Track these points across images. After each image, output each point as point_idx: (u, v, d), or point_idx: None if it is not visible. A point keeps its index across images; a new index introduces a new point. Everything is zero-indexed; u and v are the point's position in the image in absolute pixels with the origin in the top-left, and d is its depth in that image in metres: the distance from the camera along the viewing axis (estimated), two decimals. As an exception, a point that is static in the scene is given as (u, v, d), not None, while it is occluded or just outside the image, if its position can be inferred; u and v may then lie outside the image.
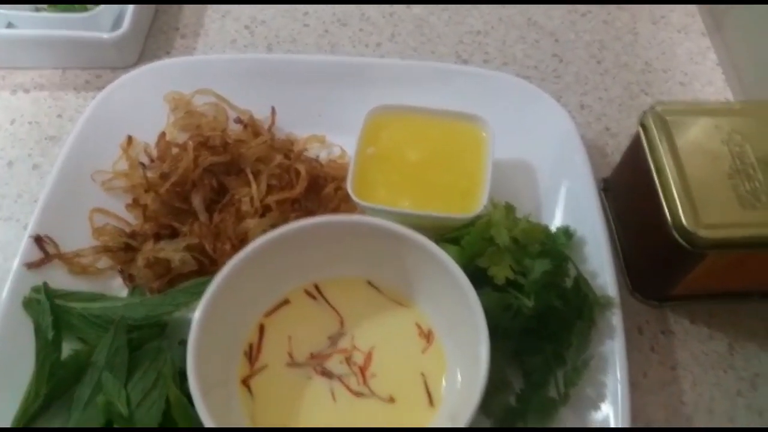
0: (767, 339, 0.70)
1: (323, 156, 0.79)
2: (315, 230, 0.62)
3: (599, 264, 0.68)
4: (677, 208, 0.62)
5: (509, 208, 0.66)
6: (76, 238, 0.70)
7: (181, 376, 0.57)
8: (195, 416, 0.53)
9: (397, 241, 0.61)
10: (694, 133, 0.67)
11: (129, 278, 0.69)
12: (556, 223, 0.71)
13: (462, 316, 0.59)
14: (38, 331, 0.61)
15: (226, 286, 0.59)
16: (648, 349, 0.70)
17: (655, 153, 0.66)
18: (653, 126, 0.67)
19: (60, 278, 0.68)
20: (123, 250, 0.70)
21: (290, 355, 0.62)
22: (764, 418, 0.66)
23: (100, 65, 0.88)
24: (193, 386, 0.53)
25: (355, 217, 0.66)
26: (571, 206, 0.72)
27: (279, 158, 0.74)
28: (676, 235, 0.61)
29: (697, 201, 0.62)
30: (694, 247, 0.61)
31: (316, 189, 0.74)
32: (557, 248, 0.64)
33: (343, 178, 0.74)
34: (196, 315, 0.56)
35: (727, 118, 0.68)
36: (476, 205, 0.67)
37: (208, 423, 0.52)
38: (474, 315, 0.57)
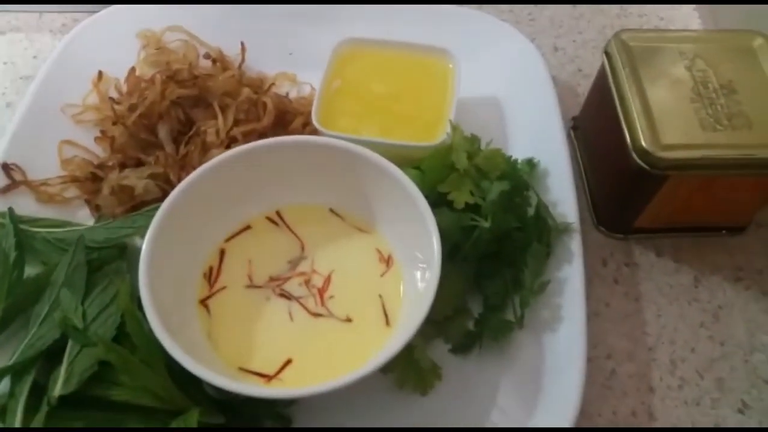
0: (732, 272, 0.70)
1: (293, 94, 0.79)
2: (272, 150, 0.62)
3: (561, 193, 0.68)
4: (637, 131, 0.62)
5: (473, 138, 0.66)
6: (45, 169, 0.71)
7: (140, 298, 0.57)
8: (148, 330, 0.54)
9: (355, 161, 0.62)
10: (658, 60, 0.66)
11: (95, 208, 0.70)
12: (521, 156, 0.71)
13: (419, 236, 0.59)
14: (0, 249, 0.61)
15: (181, 205, 0.59)
16: (611, 281, 0.70)
17: (618, 78, 0.66)
18: (617, 52, 0.67)
19: (27, 206, 0.68)
20: (90, 180, 0.71)
21: (249, 277, 0.63)
22: (726, 347, 0.66)
23: (75, 9, 0.88)
24: (145, 300, 0.53)
25: (313, 137, 0.66)
26: (537, 140, 0.72)
27: (247, 92, 0.74)
28: (636, 158, 0.62)
29: (657, 123, 0.62)
30: (654, 169, 0.61)
31: (284, 123, 0.75)
32: (518, 174, 0.64)
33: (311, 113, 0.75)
34: (148, 233, 0.57)
35: (692, 45, 0.68)
36: (440, 134, 0.67)
37: (159, 334, 0.52)
38: (426, 227, 0.57)
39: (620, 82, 0.65)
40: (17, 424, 0.52)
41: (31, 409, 0.53)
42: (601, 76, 0.70)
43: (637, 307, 0.68)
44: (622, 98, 0.65)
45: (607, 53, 0.68)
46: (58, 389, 0.52)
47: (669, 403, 0.63)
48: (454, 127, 0.64)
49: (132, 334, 0.54)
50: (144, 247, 0.56)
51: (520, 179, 0.64)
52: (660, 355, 0.65)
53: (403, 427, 0.59)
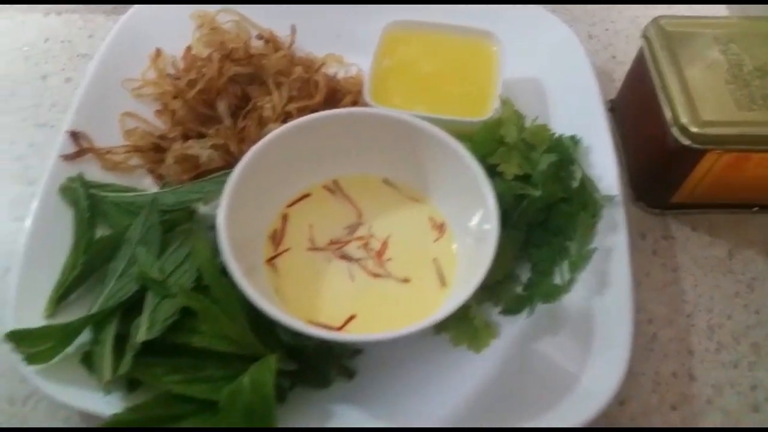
0: (765, 247, 0.74)
1: (341, 74, 0.82)
2: (333, 121, 0.66)
3: (604, 169, 0.71)
4: (677, 109, 0.66)
5: (520, 114, 0.70)
6: (109, 139, 0.74)
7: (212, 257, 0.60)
8: (225, 280, 0.57)
9: (412, 133, 0.65)
10: (694, 44, 0.70)
11: (158, 177, 0.73)
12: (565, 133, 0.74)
13: (473, 201, 0.63)
14: (78, 210, 0.65)
15: (251, 171, 0.63)
16: (650, 253, 0.73)
17: (657, 60, 0.69)
18: (655, 37, 0.71)
19: (93, 174, 0.71)
20: (152, 150, 0.74)
21: (311, 240, 0.66)
22: (761, 315, 0.69)
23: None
24: (226, 250, 0.56)
25: (371, 109, 0.69)
26: (578, 119, 0.75)
27: (299, 71, 0.78)
28: (677, 134, 0.65)
29: (696, 102, 0.66)
30: (694, 144, 0.65)
31: (334, 101, 0.78)
32: (564, 148, 0.68)
33: (360, 92, 0.78)
34: (225, 190, 0.60)
35: (725, 30, 0.72)
36: (487, 110, 0.71)
37: (240, 282, 0.55)
38: (483, 195, 0.60)
39: (659, 64, 0.69)
40: (107, 367, 0.55)
41: (116, 355, 0.56)
42: (640, 59, 0.73)
43: (674, 277, 0.72)
44: (662, 79, 0.69)
45: (645, 37, 0.72)
46: (141, 335, 0.56)
47: (708, 366, 0.66)
48: (505, 101, 0.67)
49: (210, 283, 0.57)
50: (222, 202, 0.59)
51: (566, 152, 0.67)
52: (698, 321, 0.69)
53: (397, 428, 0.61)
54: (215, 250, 0.59)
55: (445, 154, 0.65)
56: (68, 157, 0.70)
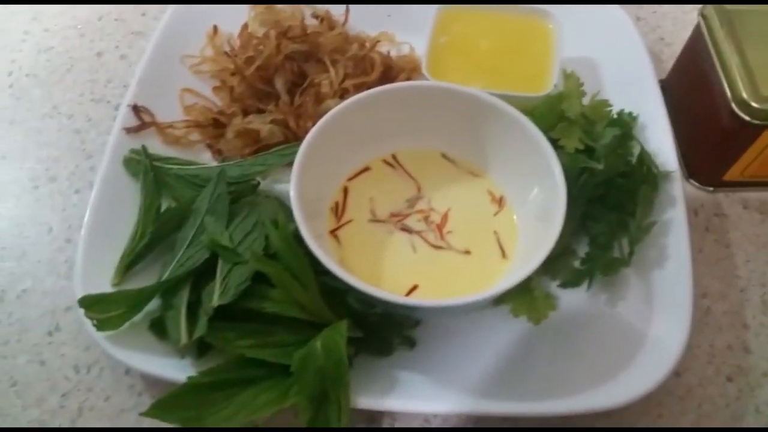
0: (816, 225, 0.74)
1: (393, 53, 0.83)
2: (393, 95, 0.66)
3: (660, 146, 0.72)
4: (737, 84, 0.66)
5: (581, 88, 0.70)
6: (168, 114, 0.75)
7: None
8: (297, 248, 0.58)
9: (473, 105, 0.66)
10: (753, 20, 0.71)
11: (217, 152, 0.74)
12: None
13: (537, 176, 0.63)
14: (145, 180, 0.66)
15: (316, 144, 0.63)
16: (703, 229, 0.74)
17: (715, 37, 0.70)
18: (714, 14, 0.71)
19: (154, 148, 0.73)
20: (212, 125, 0.75)
21: (372, 212, 0.67)
22: (814, 289, 0.70)
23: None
24: (298, 215, 0.57)
25: (433, 82, 0.70)
26: (633, 97, 0.75)
27: (354, 48, 0.79)
28: (736, 108, 0.66)
29: (756, 77, 0.66)
30: (753, 119, 0.65)
31: (389, 79, 0.79)
32: (624, 122, 0.68)
33: (414, 70, 0.79)
34: (296, 162, 0.61)
35: (786, 6, 0.72)
36: (546, 86, 0.72)
37: (312, 245, 0.56)
38: (550, 169, 0.61)
39: (718, 41, 0.70)
40: (183, 327, 0.56)
41: (188, 320, 0.58)
42: (696, 37, 0.74)
43: (727, 253, 0.72)
44: (720, 55, 0.69)
45: (703, 15, 0.72)
46: (215, 300, 0.57)
47: (763, 339, 0.67)
48: (569, 75, 0.68)
49: (282, 249, 0.58)
50: (293, 174, 0.60)
51: (626, 127, 0.68)
52: (751, 296, 0.69)
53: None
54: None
55: (507, 127, 0.65)
56: (131, 130, 0.72)
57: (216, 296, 0.57)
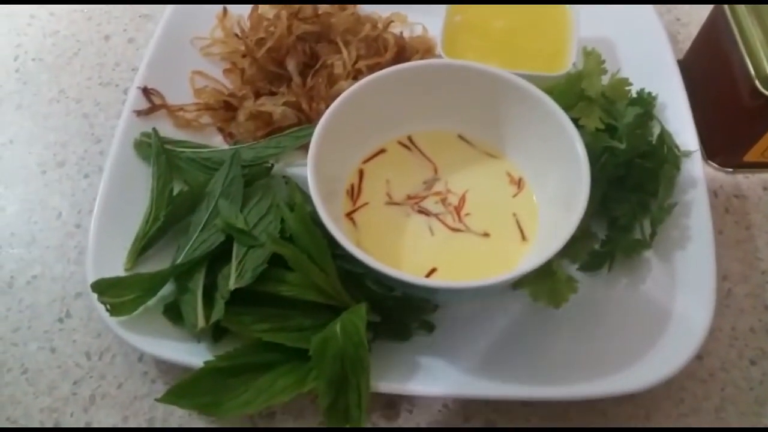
0: (837, 206, 0.73)
1: (406, 33, 0.82)
2: (409, 75, 0.65)
3: (679, 126, 0.70)
4: (762, 60, 0.65)
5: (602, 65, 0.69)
6: (178, 97, 0.74)
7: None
8: (315, 229, 0.57)
9: (491, 83, 0.64)
10: (778, -3, 0.69)
11: (228, 135, 0.73)
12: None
13: (558, 155, 0.62)
14: (159, 162, 0.65)
15: (331, 125, 0.62)
16: (723, 211, 0.73)
17: (737, 15, 0.68)
18: (736, -9, 0.70)
19: (165, 131, 0.71)
20: (223, 108, 0.74)
21: (389, 195, 0.66)
22: (836, 272, 0.69)
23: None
24: (315, 196, 0.56)
25: (449, 60, 0.69)
26: (651, 76, 0.73)
27: (367, 29, 0.77)
28: (759, 85, 0.64)
29: (781, 55, 0.65)
30: (778, 96, 0.64)
31: (402, 60, 0.77)
32: (645, 101, 0.67)
33: (428, 51, 0.78)
34: (312, 142, 0.59)
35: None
36: (564, 65, 0.70)
37: (330, 226, 0.54)
38: (574, 149, 0.60)
39: (740, 15, 0.68)
40: (200, 312, 0.55)
41: (205, 304, 0.57)
42: (716, 15, 0.72)
43: (748, 234, 0.71)
44: (742, 31, 0.68)
45: (723, -9, 0.71)
46: (232, 283, 0.56)
47: (786, 321, 0.66)
48: (590, 53, 0.67)
49: (299, 232, 0.57)
50: (310, 154, 0.59)
51: (648, 106, 0.67)
52: (775, 280, 0.68)
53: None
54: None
55: (528, 107, 0.64)
56: (141, 113, 0.71)
57: (232, 279, 0.56)
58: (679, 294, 0.63)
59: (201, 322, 0.55)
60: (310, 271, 0.56)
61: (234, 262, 0.57)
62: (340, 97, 0.63)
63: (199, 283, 0.57)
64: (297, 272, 0.56)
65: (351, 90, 0.63)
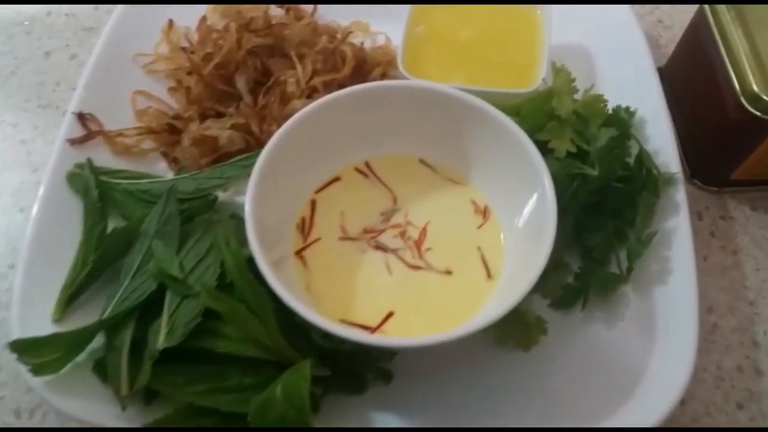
0: (832, 226, 0.68)
1: (367, 44, 0.76)
2: (364, 96, 0.59)
3: (660, 144, 0.65)
4: (746, 75, 0.59)
5: (572, 83, 0.63)
6: (119, 120, 0.68)
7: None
8: (253, 278, 0.52)
9: (452, 106, 0.59)
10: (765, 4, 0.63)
11: (173, 161, 0.67)
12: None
13: (525, 184, 0.57)
14: (87, 200, 0.59)
15: (277, 154, 0.57)
16: (708, 234, 0.67)
17: (720, 22, 0.63)
18: (719, -5, 0.64)
19: (103, 159, 0.66)
20: (167, 131, 0.68)
21: (343, 229, 0.60)
22: (831, 301, 0.63)
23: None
24: (253, 244, 0.51)
25: (406, 82, 0.63)
26: (629, 89, 0.68)
27: (324, 41, 0.72)
28: (745, 103, 0.59)
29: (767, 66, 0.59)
30: (764, 114, 0.58)
31: (362, 74, 0.72)
32: (621, 121, 0.61)
33: (390, 63, 0.72)
34: (252, 176, 0.54)
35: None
36: (533, 80, 0.64)
37: (271, 281, 0.49)
38: (539, 175, 0.54)
39: (724, 26, 0.62)
40: (123, 376, 0.50)
41: (132, 364, 0.51)
42: (699, 21, 0.67)
43: (735, 260, 0.66)
44: (726, 41, 0.62)
45: (706, -2, 0.65)
46: (161, 342, 0.51)
47: (776, 358, 0.61)
48: (559, 69, 0.61)
49: (237, 281, 0.52)
50: (249, 190, 0.53)
51: (624, 126, 0.61)
52: (762, 309, 0.63)
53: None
54: (239, 242, 0.53)
55: (490, 130, 0.58)
56: (75, 141, 0.65)
57: (162, 337, 0.51)
58: (659, 335, 0.58)
59: (123, 389, 0.49)
60: (249, 325, 0.51)
61: (165, 316, 0.52)
62: (287, 122, 0.58)
63: (125, 340, 0.52)
64: (234, 326, 0.51)
65: (299, 115, 0.58)
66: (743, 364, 0.61)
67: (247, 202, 0.53)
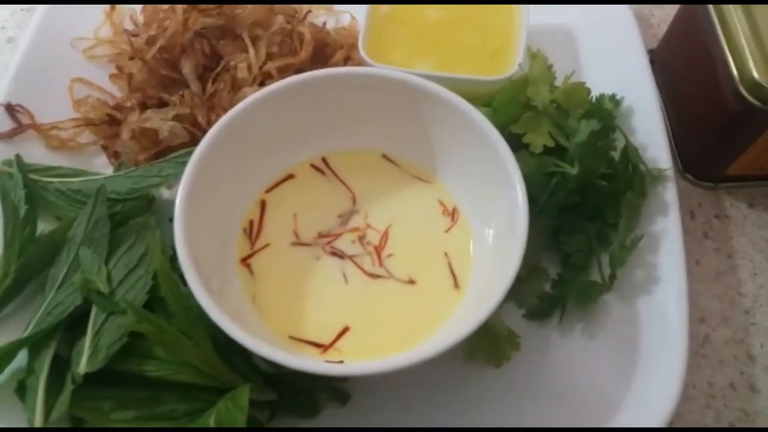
0: (837, 225, 0.62)
1: (331, 24, 0.69)
2: (320, 84, 0.53)
3: (650, 136, 0.59)
4: (746, 60, 0.53)
5: (550, 70, 0.57)
6: (55, 111, 0.62)
7: (173, 258, 0.49)
8: (186, 294, 0.46)
9: (416, 96, 0.53)
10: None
11: (114, 155, 0.61)
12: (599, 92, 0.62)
13: (494, 184, 0.51)
14: (6, 204, 0.53)
15: (216, 150, 0.51)
16: (701, 235, 0.62)
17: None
18: (717, -32, 0.57)
19: (37, 154, 0.60)
20: (107, 123, 0.62)
21: (295, 233, 0.55)
22: (835, 309, 0.58)
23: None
24: (183, 259, 0.45)
25: (367, 69, 0.57)
26: (616, 75, 0.62)
27: (280, 21, 0.65)
28: (744, 91, 0.53)
29: (770, 51, 0.53)
30: (765, 104, 0.52)
31: (323, 58, 0.66)
32: (605, 112, 0.55)
33: (353, 46, 0.66)
34: (183, 180, 0.48)
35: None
36: (509, 66, 0.58)
37: (200, 297, 0.44)
38: (509, 178, 0.48)
39: (722, 5, 0.56)
40: (39, 404, 0.45)
41: (54, 387, 0.46)
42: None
43: (730, 264, 0.60)
44: (724, 22, 0.56)
45: (702, -30, 0.59)
46: (83, 366, 0.45)
47: (774, 374, 0.55)
48: (534, 55, 0.55)
49: (168, 299, 0.47)
50: (179, 197, 0.47)
51: (608, 118, 0.55)
52: (760, 319, 0.58)
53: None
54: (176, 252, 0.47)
55: (455, 123, 0.53)
56: (2, 136, 0.59)
57: (84, 360, 0.45)
58: (645, 349, 0.53)
59: (38, 419, 0.44)
60: (180, 348, 0.45)
61: (89, 335, 0.46)
62: (228, 113, 0.52)
63: (44, 362, 0.46)
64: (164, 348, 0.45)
65: (241, 106, 0.52)
66: (737, 381, 0.55)
67: (177, 207, 0.47)
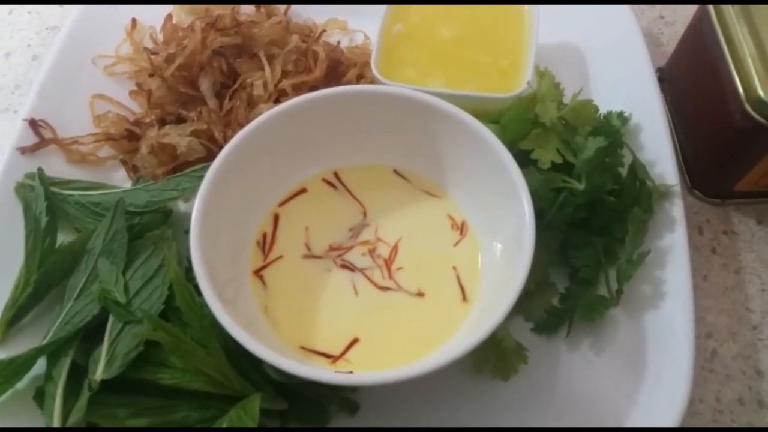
0: None
1: (344, 43, 0.71)
2: (333, 102, 0.55)
3: (657, 152, 0.60)
4: (752, 78, 0.54)
5: (558, 88, 0.58)
6: (76, 126, 0.64)
7: (188, 269, 0.51)
8: (200, 304, 0.47)
9: (427, 114, 0.54)
10: (773, -2, 0.58)
11: (133, 169, 0.63)
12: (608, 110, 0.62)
13: (502, 199, 0.52)
14: (28, 216, 0.55)
15: (233, 164, 0.52)
16: (709, 251, 0.62)
17: (724, 19, 0.57)
18: (722, -9, 0.58)
19: (58, 167, 0.62)
20: (126, 138, 0.64)
21: (307, 246, 0.56)
22: (843, 326, 0.58)
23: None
24: (198, 270, 0.46)
25: (379, 87, 0.58)
26: (624, 92, 0.63)
27: (295, 40, 0.67)
28: (749, 109, 0.53)
29: (776, 71, 0.53)
30: (772, 123, 0.53)
31: (337, 76, 0.67)
32: (613, 129, 0.56)
33: (366, 64, 0.67)
34: (199, 193, 0.50)
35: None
36: (518, 84, 0.59)
37: (215, 308, 0.45)
38: (517, 193, 0.49)
39: (727, 23, 0.57)
40: (57, 410, 0.46)
41: (71, 394, 0.47)
42: (701, 17, 0.61)
43: (737, 280, 0.60)
44: (730, 42, 0.56)
45: (709, -6, 0.60)
46: (99, 373, 0.46)
47: (782, 389, 0.55)
48: (543, 73, 0.56)
49: (183, 308, 0.48)
50: (195, 210, 0.49)
51: (615, 135, 0.56)
52: (767, 335, 0.58)
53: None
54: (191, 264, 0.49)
55: (466, 140, 0.54)
56: (26, 150, 0.61)
57: (101, 367, 0.46)
58: (651, 363, 0.53)
59: (56, 422, 0.45)
60: (194, 357, 0.46)
61: (106, 343, 0.47)
62: (243, 129, 0.53)
63: (62, 370, 0.48)
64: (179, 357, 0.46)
65: (258, 121, 0.54)
66: (745, 396, 0.55)
67: (193, 220, 0.48)
